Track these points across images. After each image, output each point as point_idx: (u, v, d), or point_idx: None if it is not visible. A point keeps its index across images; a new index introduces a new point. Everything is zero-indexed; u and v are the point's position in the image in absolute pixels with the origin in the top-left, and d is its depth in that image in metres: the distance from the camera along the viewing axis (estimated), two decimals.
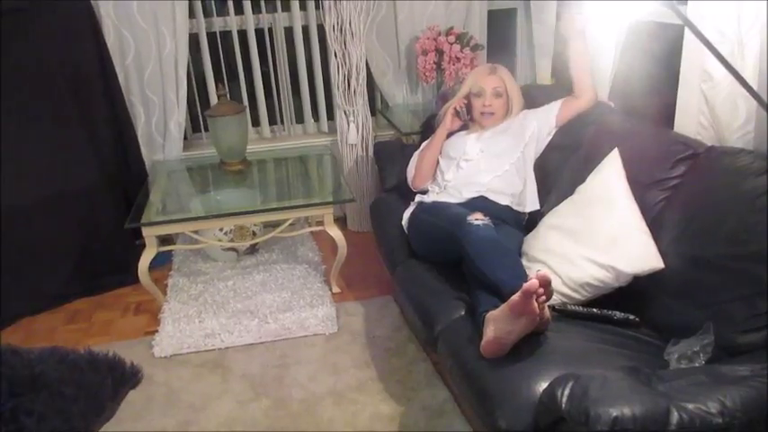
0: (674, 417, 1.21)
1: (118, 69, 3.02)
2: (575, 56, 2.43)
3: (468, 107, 2.55)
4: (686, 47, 2.07)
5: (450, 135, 2.57)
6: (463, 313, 1.91)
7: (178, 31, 3.05)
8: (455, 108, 2.54)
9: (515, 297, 1.55)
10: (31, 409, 1.03)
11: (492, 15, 3.42)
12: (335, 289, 2.87)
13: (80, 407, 1.10)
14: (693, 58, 2.04)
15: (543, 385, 1.45)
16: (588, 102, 2.41)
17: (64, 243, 2.90)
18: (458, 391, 1.89)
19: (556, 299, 1.83)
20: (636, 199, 1.91)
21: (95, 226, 2.96)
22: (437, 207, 2.26)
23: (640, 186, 1.94)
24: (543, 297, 1.56)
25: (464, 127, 2.59)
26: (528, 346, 1.62)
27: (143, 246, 2.63)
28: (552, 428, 1.39)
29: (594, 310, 1.82)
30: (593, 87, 2.44)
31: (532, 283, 1.54)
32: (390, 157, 2.91)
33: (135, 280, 2.70)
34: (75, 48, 2.81)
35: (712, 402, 1.24)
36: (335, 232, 2.72)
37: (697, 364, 1.54)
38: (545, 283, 1.58)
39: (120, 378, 1.27)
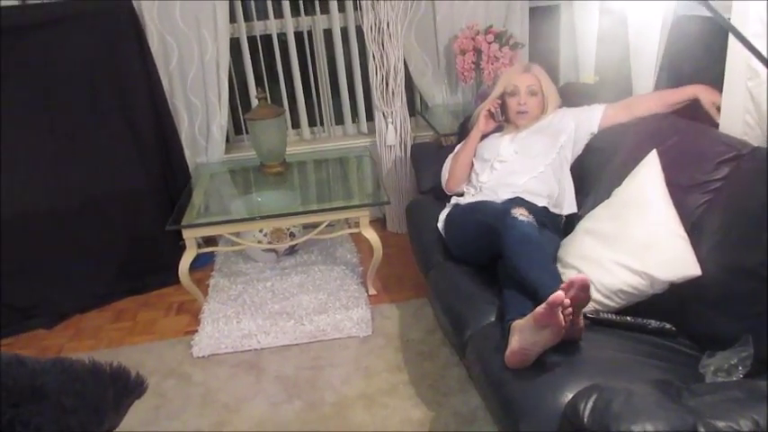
0: None
1: (162, 74, 3.10)
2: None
3: (503, 107, 2.51)
4: (731, 42, 1.98)
5: (484, 137, 2.53)
6: (493, 319, 1.89)
7: (219, 35, 3.11)
8: (488, 110, 2.50)
9: (540, 308, 1.52)
10: (28, 421, 1.06)
11: (534, 12, 3.36)
12: (372, 291, 2.87)
13: (79, 418, 1.13)
14: (739, 53, 1.94)
15: (569, 396, 1.41)
16: (636, 119, 2.29)
17: (110, 243, 3.00)
18: (483, 399, 1.86)
19: (588, 306, 1.78)
20: (675, 202, 1.84)
21: (140, 227, 3.05)
22: (478, 205, 2.23)
23: (681, 189, 1.87)
24: (570, 309, 1.52)
25: (499, 128, 2.54)
26: (557, 355, 1.59)
27: (184, 247, 2.69)
28: None
29: (628, 318, 1.77)
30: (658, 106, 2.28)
31: (558, 294, 1.50)
32: (427, 159, 2.89)
33: (177, 280, 2.75)
34: (118, 50, 2.89)
35: (745, 420, 1.18)
36: (371, 234, 2.73)
37: (734, 378, 1.47)
38: (583, 287, 1.53)
39: (124, 389, 1.29)
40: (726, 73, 2.03)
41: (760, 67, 1.84)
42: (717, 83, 2.10)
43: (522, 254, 1.79)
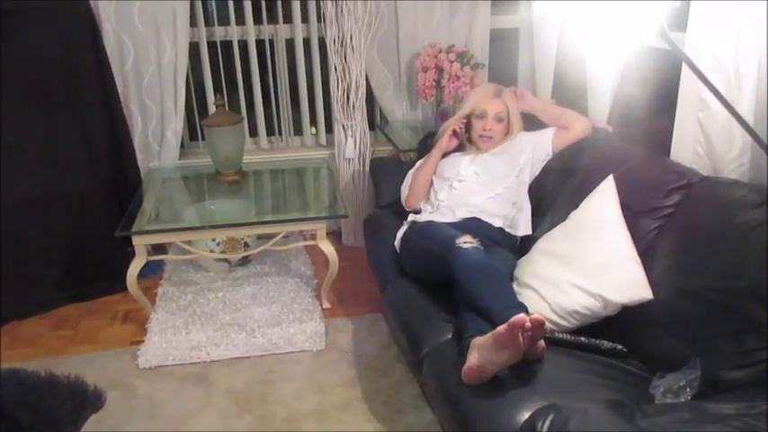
0: None
1: (116, 74, 3.03)
2: (541, 114, 2.51)
3: (467, 126, 2.54)
4: (684, 74, 2.07)
5: (445, 155, 2.56)
6: (450, 336, 1.90)
7: (179, 38, 3.06)
8: (454, 129, 2.53)
9: (501, 328, 1.54)
10: None
11: (494, 34, 3.43)
12: (326, 304, 2.86)
13: None
14: (691, 85, 2.04)
15: (525, 415, 1.44)
16: (580, 132, 2.41)
17: (54, 247, 2.89)
18: (440, 416, 1.87)
19: (546, 325, 1.82)
20: (629, 227, 1.90)
21: (87, 231, 2.95)
22: (428, 228, 2.25)
23: (633, 214, 1.94)
24: (529, 333, 1.55)
25: (460, 147, 2.58)
26: (512, 373, 1.62)
27: (133, 254, 2.62)
28: None
29: (582, 338, 1.81)
30: (582, 118, 2.45)
31: (520, 317, 1.52)
32: (386, 174, 2.91)
33: (124, 288, 2.68)
34: (73, 49, 2.80)
35: None
36: (327, 247, 2.72)
37: (683, 400, 1.52)
38: (537, 325, 1.56)
39: (82, 402, 1.25)
40: (678, 104, 2.12)
41: (711, 99, 1.93)
42: (669, 112, 2.19)
43: (472, 282, 1.82)
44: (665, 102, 2.27)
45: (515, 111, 2.51)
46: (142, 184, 3.13)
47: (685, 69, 2.06)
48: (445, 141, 2.54)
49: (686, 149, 2.07)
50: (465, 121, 2.54)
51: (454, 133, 2.53)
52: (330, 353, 2.53)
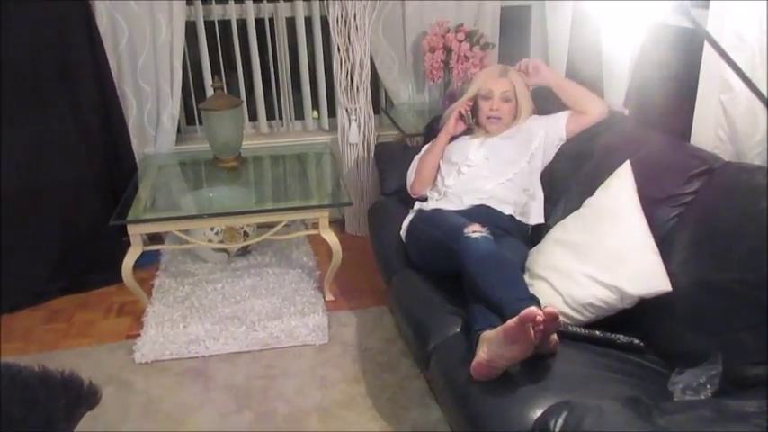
0: None
1: (109, 56, 3.01)
2: (557, 91, 2.46)
3: (474, 110, 2.52)
4: (706, 53, 2.04)
5: (452, 139, 2.55)
6: (459, 330, 1.90)
7: (174, 17, 3.04)
8: (460, 111, 2.52)
9: (511, 322, 1.53)
10: None
11: (505, 13, 3.40)
12: (329, 296, 2.86)
13: (27, 428, 1.08)
14: (713, 65, 2.01)
15: (537, 413, 1.44)
16: (597, 116, 2.38)
17: (46, 237, 2.89)
18: (447, 414, 1.87)
19: (560, 318, 1.81)
20: (646, 215, 1.88)
21: (80, 220, 2.95)
22: (435, 217, 2.24)
23: (652, 202, 1.92)
24: (541, 327, 1.54)
25: (468, 131, 2.56)
26: (524, 368, 1.61)
27: (128, 244, 2.62)
28: None
29: (597, 332, 1.80)
30: (599, 101, 2.42)
31: (531, 310, 1.51)
32: (392, 160, 2.89)
33: (120, 279, 2.67)
34: (64, 31, 2.79)
35: None
36: (331, 237, 2.71)
37: (703, 397, 1.51)
38: (550, 319, 1.55)
39: (77, 398, 1.25)
40: (699, 85, 2.09)
41: (734, 80, 1.90)
42: (689, 94, 2.16)
43: (482, 274, 1.81)
44: (685, 83, 2.24)
45: (523, 90, 2.50)
46: (137, 170, 3.13)
47: (707, 48, 2.03)
48: (452, 124, 2.53)
49: (707, 133, 2.05)
50: (471, 103, 2.52)
51: (461, 116, 2.52)
52: (333, 347, 2.52)
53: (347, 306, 2.81)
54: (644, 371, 1.68)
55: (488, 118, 2.48)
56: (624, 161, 2.02)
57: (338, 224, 3.51)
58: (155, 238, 3.14)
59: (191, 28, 3.25)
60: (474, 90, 2.53)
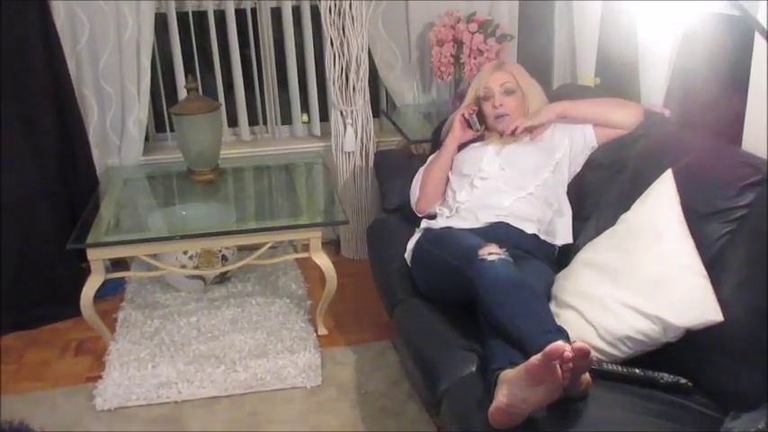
0: None
1: (67, 55, 3.04)
2: (573, 115, 2.45)
3: (480, 116, 2.55)
4: (757, 45, 2.05)
5: (462, 147, 2.56)
6: (474, 369, 1.90)
7: (142, 10, 3.08)
8: (462, 115, 2.54)
9: (535, 359, 1.53)
10: None
11: (524, 8, 3.43)
12: (322, 330, 2.86)
13: None
14: (765, 59, 2.01)
15: None
16: (632, 124, 2.38)
17: None
18: None
19: (592, 355, 1.80)
20: (692, 233, 1.88)
21: (32, 244, 2.96)
22: (445, 237, 2.25)
23: (698, 217, 1.92)
24: (570, 365, 1.53)
25: (480, 138, 2.57)
26: (551, 414, 1.60)
27: (89, 271, 2.62)
28: None
29: (636, 370, 1.79)
30: (632, 107, 2.42)
31: (558, 345, 1.50)
32: (394, 171, 2.91)
33: (78, 312, 2.68)
34: (14, 27, 2.82)
35: None
36: (324, 261, 2.71)
37: None
38: (580, 355, 1.54)
39: None
40: (750, 80, 2.10)
41: None
42: (740, 91, 2.17)
43: (500, 303, 1.81)
44: (734, 79, 2.25)
45: (528, 82, 2.54)
46: (99, 185, 3.14)
47: (758, 39, 2.04)
48: (458, 130, 2.55)
49: (761, 137, 2.05)
50: (475, 108, 2.55)
51: (465, 121, 2.55)
52: (327, 390, 2.52)
53: (343, 341, 2.81)
54: (692, 415, 1.67)
55: (496, 117, 2.50)
56: (665, 170, 2.02)
57: (332, 246, 3.52)
58: (119, 264, 3.15)
59: (161, 21, 3.28)
60: (472, 94, 2.58)
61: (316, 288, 3.09)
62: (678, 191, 1.96)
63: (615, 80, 2.87)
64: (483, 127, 2.56)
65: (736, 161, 1.99)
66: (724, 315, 1.73)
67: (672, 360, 1.81)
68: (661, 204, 1.96)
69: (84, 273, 2.65)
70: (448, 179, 2.54)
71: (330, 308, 2.84)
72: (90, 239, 2.58)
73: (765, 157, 2.00)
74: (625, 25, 2.72)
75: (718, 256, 1.86)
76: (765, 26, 1.81)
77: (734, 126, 2.20)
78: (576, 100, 2.52)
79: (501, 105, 2.49)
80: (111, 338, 2.79)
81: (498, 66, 2.58)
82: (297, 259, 3.18)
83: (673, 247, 1.86)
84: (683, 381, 1.76)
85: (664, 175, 2.01)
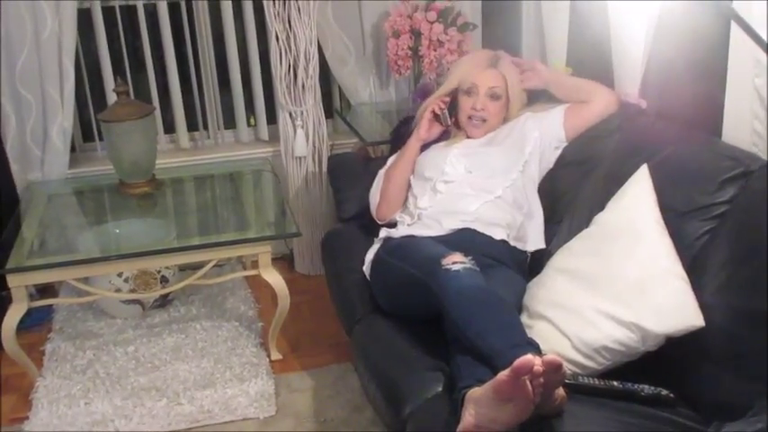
0: None
1: None
2: (555, 88, 2.57)
3: (452, 107, 2.57)
4: (735, 30, 2.11)
5: (424, 148, 2.59)
6: (440, 389, 1.92)
7: (63, 5, 3.07)
8: (433, 110, 2.56)
9: (502, 375, 1.55)
10: None
11: None
12: (275, 355, 2.87)
13: None
14: (744, 44, 2.08)
15: None
16: (603, 108, 2.45)
17: None
18: None
19: (565, 368, 1.84)
20: (670, 232, 1.93)
21: None
22: (406, 246, 2.27)
23: (676, 215, 1.97)
24: (541, 380, 1.56)
25: (445, 136, 2.61)
26: None
27: (10, 299, 2.61)
28: None
29: (615, 383, 1.82)
30: (605, 90, 2.50)
31: (526, 359, 1.52)
32: (350, 176, 2.93)
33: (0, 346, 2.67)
34: None
35: None
36: (275, 278, 2.73)
37: None
38: (552, 369, 1.58)
39: None
40: (729, 68, 2.16)
41: None
42: (718, 80, 2.23)
43: (466, 316, 1.84)
44: (712, 66, 2.30)
45: (516, 85, 2.55)
46: (19, 203, 3.12)
47: (735, 24, 2.10)
48: (424, 129, 2.57)
49: (742, 127, 2.10)
50: (449, 99, 2.56)
51: (435, 117, 2.56)
52: (283, 420, 2.53)
53: (299, 366, 2.82)
54: (676, 428, 1.71)
55: (470, 119, 2.53)
56: (641, 165, 2.08)
57: (285, 261, 3.53)
58: (45, 291, 3.13)
59: (85, 17, 3.27)
60: (453, 82, 2.57)
61: (267, 308, 3.10)
62: (655, 187, 2.01)
63: (587, 70, 2.92)
64: (453, 120, 2.57)
65: (715, 154, 2.04)
66: (705, 319, 1.77)
67: (652, 370, 1.85)
68: (637, 203, 2.00)
69: (5, 301, 2.64)
70: (410, 183, 2.56)
71: (284, 330, 2.86)
72: (10, 264, 2.57)
73: (746, 148, 2.06)
74: (597, 9, 2.77)
75: (698, 256, 1.90)
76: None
77: (713, 117, 2.25)
78: (561, 76, 2.61)
79: (483, 109, 2.51)
80: (39, 374, 2.77)
81: (493, 62, 2.55)
82: (245, 277, 3.18)
83: (650, 249, 1.90)
84: (664, 392, 1.80)
85: (639, 171, 2.06)
